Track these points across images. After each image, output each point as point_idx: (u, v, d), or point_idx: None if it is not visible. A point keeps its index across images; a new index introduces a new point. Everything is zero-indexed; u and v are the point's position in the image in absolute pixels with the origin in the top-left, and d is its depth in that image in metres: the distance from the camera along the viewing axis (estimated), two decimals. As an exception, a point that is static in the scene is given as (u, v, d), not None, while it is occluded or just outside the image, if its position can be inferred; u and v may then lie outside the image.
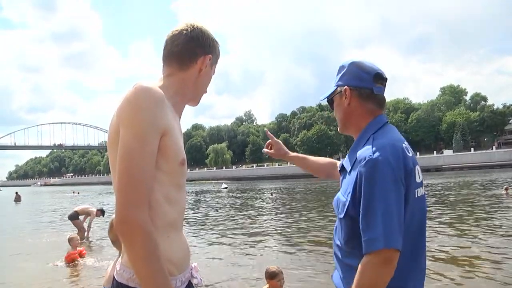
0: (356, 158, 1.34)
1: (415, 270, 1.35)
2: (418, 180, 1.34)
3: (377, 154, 1.27)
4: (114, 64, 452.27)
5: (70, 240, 7.33)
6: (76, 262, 7.06)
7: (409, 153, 1.34)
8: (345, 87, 1.46)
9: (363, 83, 1.44)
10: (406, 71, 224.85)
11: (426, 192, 1.56)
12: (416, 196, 1.33)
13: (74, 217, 10.66)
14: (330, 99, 1.55)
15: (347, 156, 1.46)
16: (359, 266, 1.25)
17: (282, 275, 4.11)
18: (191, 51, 1.34)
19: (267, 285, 4.18)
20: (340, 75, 1.49)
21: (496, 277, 5.28)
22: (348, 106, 1.46)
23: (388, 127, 1.43)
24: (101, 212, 10.53)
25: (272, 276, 4.10)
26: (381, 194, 1.24)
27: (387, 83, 1.48)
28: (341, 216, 1.38)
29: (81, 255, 7.28)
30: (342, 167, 1.47)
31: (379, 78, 1.44)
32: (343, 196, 1.39)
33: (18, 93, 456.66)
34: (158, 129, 1.17)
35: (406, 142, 1.38)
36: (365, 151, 1.31)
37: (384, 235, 1.20)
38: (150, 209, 1.15)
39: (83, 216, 10.63)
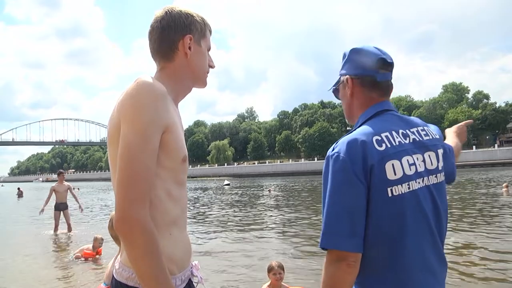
0: None
1: (391, 281, 1.21)
2: (393, 176, 1.19)
3: (334, 151, 1.22)
4: (117, 61, 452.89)
5: (94, 240, 7.29)
6: (88, 259, 7.06)
7: (380, 146, 1.21)
8: (347, 76, 1.39)
9: (366, 70, 1.34)
10: (409, 69, 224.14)
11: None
12: (390, 194, 1.18)
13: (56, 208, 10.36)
14: (336, 89, 1.48)
15: None
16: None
17: (279, 269, 4.16)
18: (168, 41, 1.29)
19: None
20: (342, 64, 1.43)
21: (494, 277, 5.29)
22: (351, 95, 1.39)
23: (375, 118, 1.32)
24: (59, 174, 10.51)
25: (268, 270, 4.24)
26: (329, 193, 1.19)
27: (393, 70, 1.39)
28: None
29: (98, 253, 7.29)
30: None
31: (383, 64, 1.33)
32: None
33: (20, 90, 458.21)
34: (160, 125, 1.14)
35: (386, 134, 1.24)
36: (330, 148, 1.27)
37: (324, 235, 1.17)
38: (152, 206, 1.13)
39: (64, 201, 10.32)
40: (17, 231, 11.59)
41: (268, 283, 4.26)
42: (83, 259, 7.05)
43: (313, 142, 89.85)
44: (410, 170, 1.21)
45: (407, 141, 1.26)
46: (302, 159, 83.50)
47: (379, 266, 1.20)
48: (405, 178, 1.20)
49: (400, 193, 1.19)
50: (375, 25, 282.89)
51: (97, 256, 7.19)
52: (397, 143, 1.24)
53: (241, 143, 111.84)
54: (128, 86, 1.17)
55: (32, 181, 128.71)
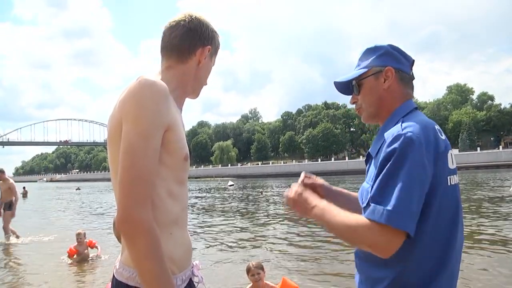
0: (384, 140, 1.19)
1: (444, 273, 1.17)
2: (451, 166, 1.22)
3: (406, 130, 1.15)
4: (123, 62, 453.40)
5: (76, 236, 7.35)
6: (75, 257, 7.05)
7: (441, 136, 1.23)
8: (388, 67, 1.34)
9: (406, 67, 1.36)
10: (414, 70, 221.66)
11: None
12: (449, 183, 1.19)
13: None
14: (356, 82, 1.39)
15: (373, 143, 1.33)
16: (357, 219, 1.15)
17: (257, 269, 4.08)
18: (189, 43, 1.30)
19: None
20: (375, 56, 1.36)
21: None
22: (387, 88, 1.34)
23: (417, 112, 1.32)
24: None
25: (246, 271, 4.18)
26: (406, 169, 1.10)
27: None
28: (364, 205, 1.22)
29: (90, 246, 7.27)
30: (368, 154, 1.34)
31: (412, 65, 1.39)
32: (367, 183, 1.26)
33: (26, 90, 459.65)
34: (162, 125, 1.14)
35: (438, 126, 1.27)
36: (394, 130, 1.19)
37: (393, 209, 1.07)
38: (153, 205, 1.12)
39: (8, 198, 9.38)
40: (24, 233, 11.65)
41: (250, 285, 4.19)
42: (70, 259, 7.01)
43: (316, 143, 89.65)
44: (453, 164, 1.24)
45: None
46: (306, 160, 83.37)
47: (429, 263, 1.16)
48: (454, 170, 1.24)
49: (455, 183, 1.22)
50: (381, 26, 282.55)
51: (86, 251, 7.17)
52: (445, 137, 1.26)
53: (245, 144, 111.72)
54: (130, 84, 1.16)
55: (36, 181, 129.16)
